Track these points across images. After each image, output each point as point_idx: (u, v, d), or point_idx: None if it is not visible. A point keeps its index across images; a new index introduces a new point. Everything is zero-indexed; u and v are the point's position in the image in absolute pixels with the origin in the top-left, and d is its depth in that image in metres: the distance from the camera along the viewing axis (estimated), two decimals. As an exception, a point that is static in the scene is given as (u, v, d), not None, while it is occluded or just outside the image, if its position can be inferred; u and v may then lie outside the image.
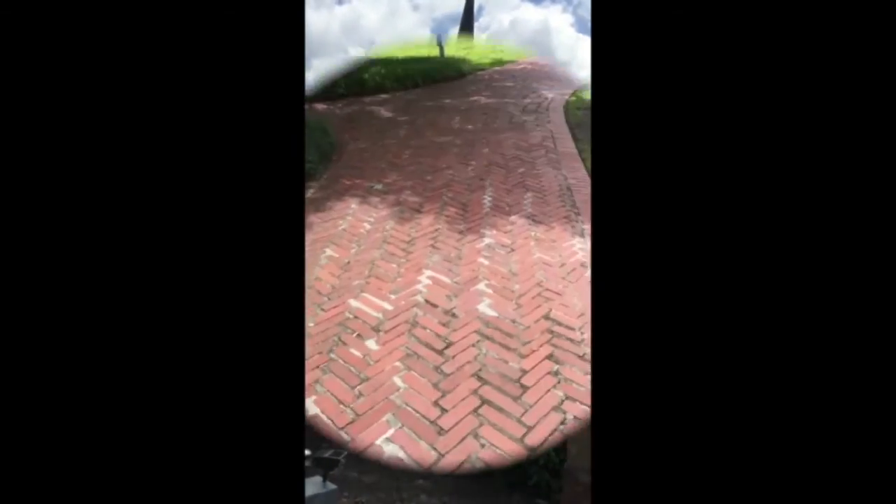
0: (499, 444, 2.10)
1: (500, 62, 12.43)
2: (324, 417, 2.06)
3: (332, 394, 2.25)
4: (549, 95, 8.22)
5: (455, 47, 14.91)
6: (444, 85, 10.01)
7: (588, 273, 2.98)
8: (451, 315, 2.65)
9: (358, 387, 2.28)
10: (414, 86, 9.89)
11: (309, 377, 2.22)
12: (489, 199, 4.04)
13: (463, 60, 11.96)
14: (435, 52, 13.60)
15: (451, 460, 1.96)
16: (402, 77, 9.75)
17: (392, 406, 2.22)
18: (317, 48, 15.39)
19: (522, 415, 2.18)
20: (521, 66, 12.09)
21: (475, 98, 7.92)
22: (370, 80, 9.34)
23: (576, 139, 5.41)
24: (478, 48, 15.61)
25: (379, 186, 4.34)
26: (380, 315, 2.66)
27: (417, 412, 2.23)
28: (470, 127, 6.13)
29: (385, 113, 7.07)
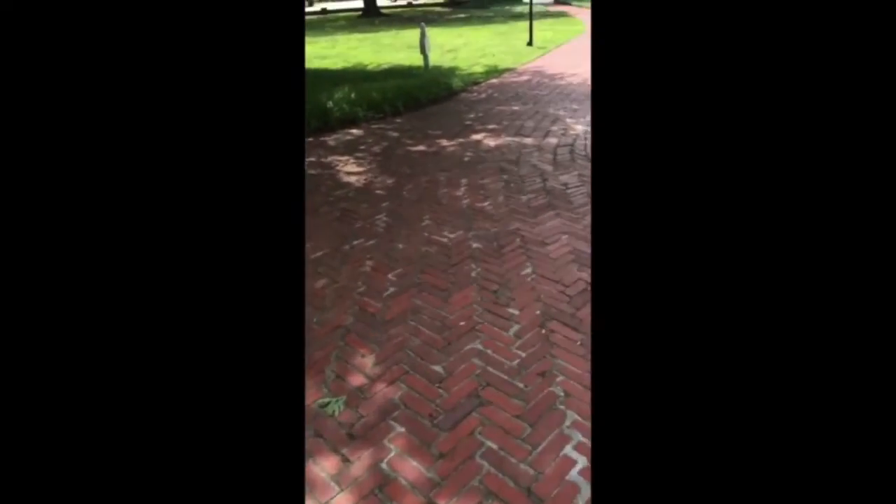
0: None
1: (495, 70, 10.01)
2: None
3: None
4: (579, 128, 5.86)
5: (439, 49, 12.38)
6: (432, 110, 6.97)
7: None
8: None
9: None
10: (394, 112, 6.90)
11: None
12: (587, 486, 1.78)
13: (451, 72, 9.50)
14: (417, 59, 11.07)
15: None
16: (377, 102, 7.32)
17: None
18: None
19: None
20: (524, 76, 9.45)
21: (478, 136, 5.52)
22: (336, 108, 6.95)
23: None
24: (465, 49, 13.17)
25: (339, 406, 2.05)
26: None
27: None
28: (486, 204, 3.79)
29: (354, 172, 4.70)
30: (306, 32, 19.59)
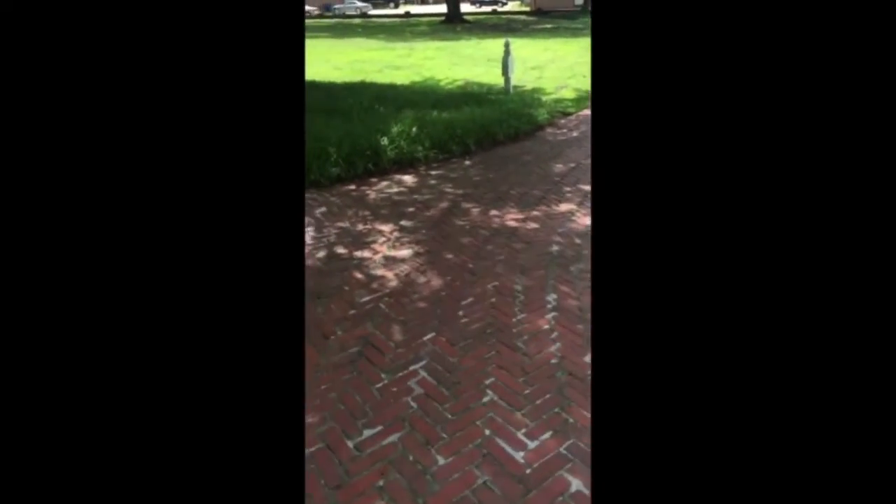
0: None
1: (587, 97, 8.25)
2: None
3: None
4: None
5: (522, 65, 10.76)
6: (510, 151, 5.22)
7: None
8: None
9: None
10: (463, 152, 5.10)
11: None
12: None
13: (535, 97, 7.87)
14: (496, 76, 9.57)
15: None
16: (442, 139, 5.11)
17: None
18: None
19: None
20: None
21: (570, 206, 3.84)
22: (391, 146, 5.54)
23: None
24: (551, 66, 11.55)
25: None
26: None
27: None
28: (589, 359, 2.32)
29: (393, 258, 3.29)
30: (384, 36, 18.68)
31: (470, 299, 2.71)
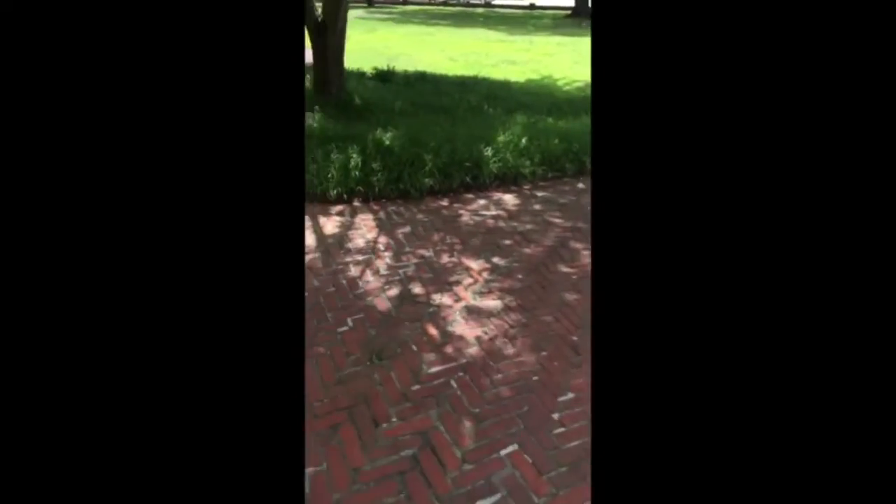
0: None
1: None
2: None
3: None
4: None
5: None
6: None
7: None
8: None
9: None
10: (578, 171, 4.26)
11: None
12: None
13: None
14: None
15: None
16: (554, 154, 4.31)
17: None
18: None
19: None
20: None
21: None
22: (495, 158, 4.90)
23: None
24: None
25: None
26: None
27: None
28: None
29: (478, 311, 2.64)
30: (505, 28, 17.94)
31: (570, 395, 2.02)
